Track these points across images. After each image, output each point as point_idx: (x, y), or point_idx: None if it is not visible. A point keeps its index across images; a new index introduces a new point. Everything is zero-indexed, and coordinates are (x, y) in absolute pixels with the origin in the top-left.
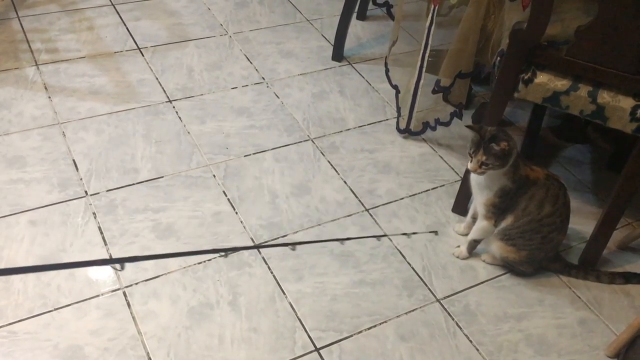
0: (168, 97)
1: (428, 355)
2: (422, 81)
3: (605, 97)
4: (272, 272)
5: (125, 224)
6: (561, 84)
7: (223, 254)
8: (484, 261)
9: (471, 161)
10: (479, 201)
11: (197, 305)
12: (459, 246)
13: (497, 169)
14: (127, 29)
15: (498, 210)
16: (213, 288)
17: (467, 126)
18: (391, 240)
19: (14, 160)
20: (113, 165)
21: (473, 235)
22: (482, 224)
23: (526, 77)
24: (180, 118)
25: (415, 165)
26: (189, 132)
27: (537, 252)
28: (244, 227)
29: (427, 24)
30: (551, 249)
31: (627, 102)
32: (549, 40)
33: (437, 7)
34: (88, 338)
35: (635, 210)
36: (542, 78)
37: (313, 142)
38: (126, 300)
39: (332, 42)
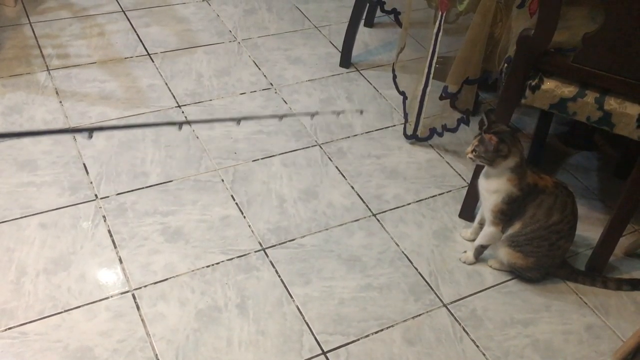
0: (177, 103)
1: (435, 359)
2: (429, 87)
3: (612, 103)
4: (279, 276)
5: (134, 227)
6: (568, 90)
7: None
8: (490, 267)
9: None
10: (486, 207)
11: (205, 308)
12: (465, 251)
13: (484, 162)
14: (137, 35)
15: (505, 216)
16: (221, 291)
17: (486, 111)
18: (398, 245)
19: (26, 164)
20: (123, 169)
21: (480, 240)
22: (489, 229)
23: (533, 84)
24: (189, 123)
25: (422, 171)
26: (197, 137)
27: (545, 259)
28: (252, 231)
29: (435, 31)
30: (559, 256)
31: (634, 109)
32: (556, 47)
33: (444, 15)
34: (98, 339)
35: None
36: (549, 84)
37: (321, 147)
38: (135, 302)
39: (340, 49)
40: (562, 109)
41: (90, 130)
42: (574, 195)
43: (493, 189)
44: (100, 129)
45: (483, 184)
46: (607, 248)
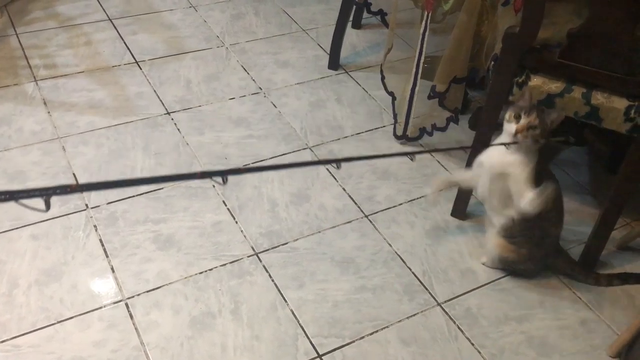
0: (166, 109)
1: (430, 359)
2: (417, 87)
3: (599, 98)
4: (273, 280)
5: (126, 235)
6: (555, 86)
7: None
8: (483, 264)
9: (517, 122)
10: (515, 179)
11: (199, 315)
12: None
13: (536, 137)
14: (124, 43)
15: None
16: (214, 297)
17: (522, 91)
18: (391, 246)
19: (15, 176)
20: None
21: (525, 208)
22: (529, 195)
23: (520, 81)
24: (178, 130)
25: (413, 171)
26: (187, 144)
27: (537, 250)
28: (244, 236)
29: (421, 30)
30: (549, 245)
31: (620, 103)
32: (542, 44)
33: (430, 14)
34: (91, 350)
35: (633, 210)
36: (536, 81)
37: (311, 150)
38: (128, 311)
39: (328, 51)
40: (549, 105)
41: (224, 175)
42: (558, 180)
43: (518, 162)
44: (236, 171)
45: (503, 162)
46: (599, 242)
